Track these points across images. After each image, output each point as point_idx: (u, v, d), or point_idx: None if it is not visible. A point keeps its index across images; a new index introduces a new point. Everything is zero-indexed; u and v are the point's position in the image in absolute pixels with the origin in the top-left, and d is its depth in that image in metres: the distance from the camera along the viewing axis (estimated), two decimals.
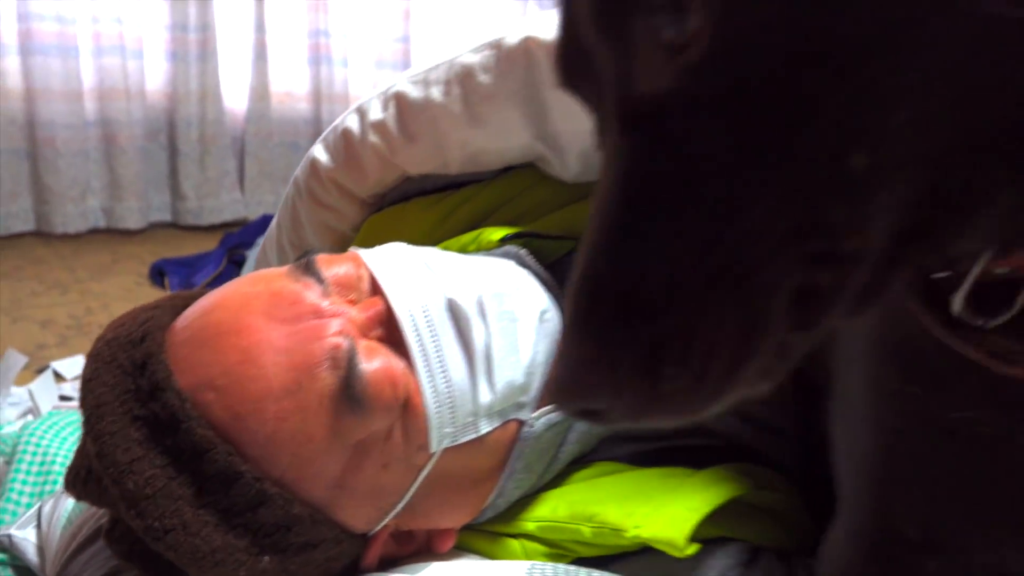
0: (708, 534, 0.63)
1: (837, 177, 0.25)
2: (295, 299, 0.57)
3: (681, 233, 0.26)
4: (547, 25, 0.74)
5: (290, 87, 2.97)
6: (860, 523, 0.48)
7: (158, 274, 2.20)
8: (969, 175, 0.28)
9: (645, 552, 0.62)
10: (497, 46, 0.75)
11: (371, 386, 0.55)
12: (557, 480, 0.70)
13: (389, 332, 0.59)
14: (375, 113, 0.79)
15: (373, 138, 0.79)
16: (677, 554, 0.59)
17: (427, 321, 0.59)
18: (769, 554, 0.66)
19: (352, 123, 0.81)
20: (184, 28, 2.66)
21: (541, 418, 0.64)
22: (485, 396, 0.60)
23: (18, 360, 1.43)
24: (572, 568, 0.59)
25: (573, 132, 0.75)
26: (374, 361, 0.56)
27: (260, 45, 2.81)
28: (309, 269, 0.60)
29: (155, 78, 2.72)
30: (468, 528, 0.67)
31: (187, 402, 0.53)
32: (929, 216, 0.28)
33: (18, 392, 1.40)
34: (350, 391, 0.54)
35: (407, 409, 0.57)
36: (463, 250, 0.75)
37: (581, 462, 0.71)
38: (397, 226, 0.82)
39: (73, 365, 1.55)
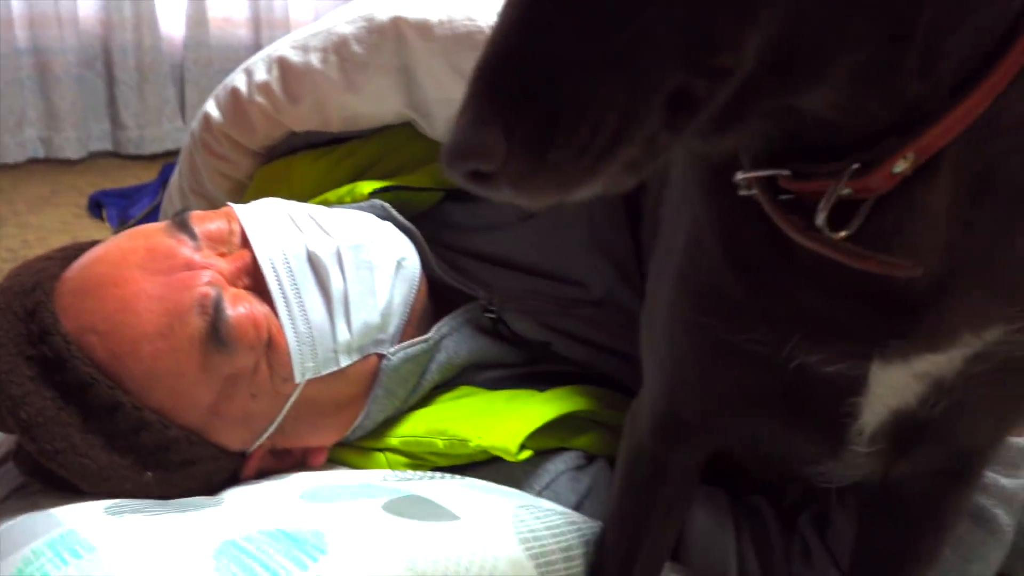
0: (545, 444, 0.74)
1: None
2: (169, 253, 0.65)
3: (585, 24, 0.30)
4: (416, 3, 0.80)
5: (229, 13, 2.94)
6: (652, 406, 0.58)
7: (96, 206, 2.24)
8: (829, 27, 0.33)
9: (493, 461, 0.72)
10: (369, 19, 0.81)
11: (235, 328, 0.64)
12: (422, 402, 0.80)
13: (255, 281, 0.68)
14: (260, 75, 0.85)
15: (259, 98, 0.85)
16: (511, 459, 0.70)
17: (288, 270, 0.67)
18: (603, 461, 0.77)
19: (240, 83, 0.87)
20: None
21: (399, 352, 0.74)
22: (343, 335, 0.69)
23: None
24: (417, 472, 0.70)
25: (440, 101, 0.82)
26: (238, 307, 0.65)
27: None
28: (183, 226, 0.67)
29: (88, 4, 2.68)
30: (341, 444, 0.77)
31: (72, 344, 0.62)
32: (792, 54, 0.33)
33: None
34: (216, 333, 0.63)
35: (271, 347, 0.66)
36: (340, 201, 0.83)
37: (445, 387, 0.82)
38: (286, 177, 0.89)
39: None
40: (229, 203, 0.74)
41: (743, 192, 0.42)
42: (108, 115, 2.81)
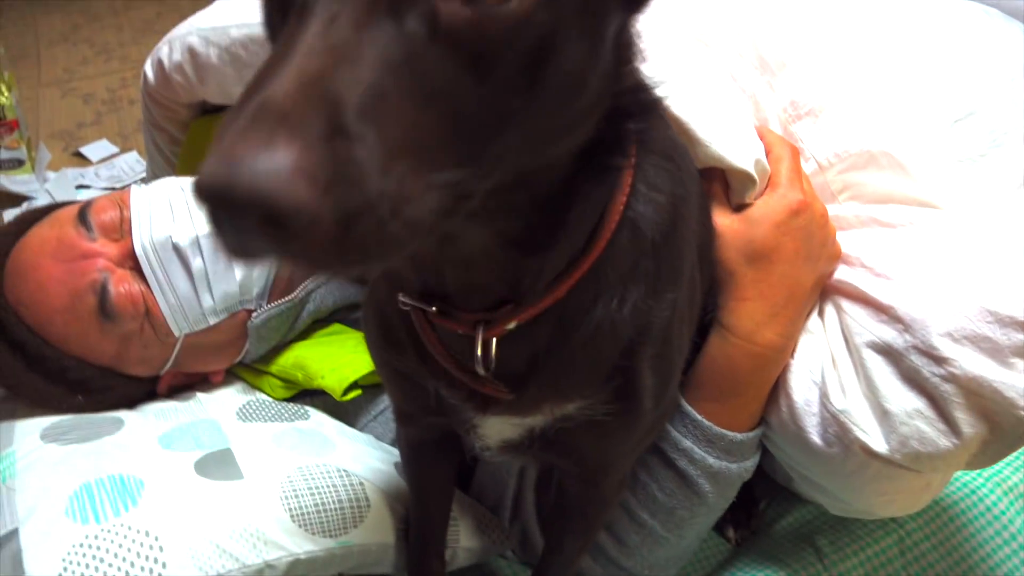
0: (378, 381, 0.94)
1: None
2: (72, 244, 0.87)
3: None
4: None
5: None
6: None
7: None
8: None
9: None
10: (252, 29, 0.92)
11: (117, 305, 0.86)
12: (303, 334, 1.02)
13: (136, 263, 0.89)
14: (176, 55, 1.00)
15: (176, 76, 1.01)
16: (338, 399, 0.91)
17: (156, 257, 0.87)
18: None
19: (164, 55, 1.02)
20: None
21: (263, 313, 0.94)
22: (208, 302, 0.90)
23: (46, 155, 1.82)
24: (274, 402, 0.93)
25: None
26: (120, 287, 0.87)
27: None
28: (83, 220, 0.88)
29: None
30: (240, 364, 1.01)
31: (11, 312, 0.87)
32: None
33: (52, 176, 1.80)
34: (104, 308, 0.86)
35: (150, 314, 0.88)
36: None
37: (323, 322, 1.03)
38: (208, 136, 1.07)
39: (97, 149, 1.92)
40: (132, 187, 0.93)
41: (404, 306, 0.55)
42: None
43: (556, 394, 0.58)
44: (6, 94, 1.75)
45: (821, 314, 0.81)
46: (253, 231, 0.26)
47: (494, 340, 0.52)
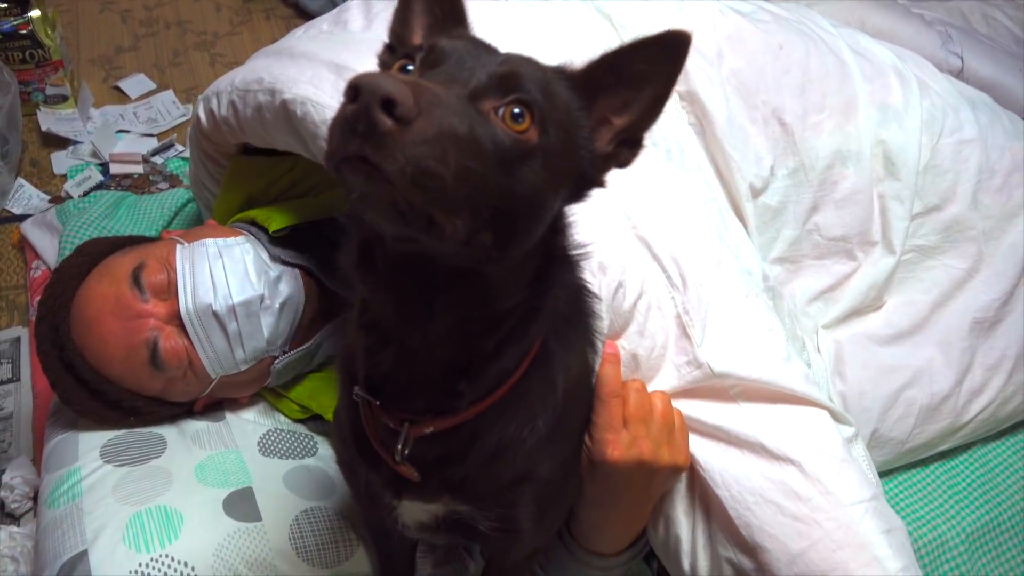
0: None
1: None
2: (128, 305, 1.04)
3: None
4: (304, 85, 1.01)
5: None
6: None
7: None
8: None
9: None
10: (272, 93, 1.03)
11: (164, 359, 1.04)
12: (320, 367, 1.20)
13: (182, 321, 1.05)
14: (222, 109, 1.12)
15: (223, 125, 1.13)
16: None
17: (199, 320, 1.04)
18: None
19: (214, 106, 1.13)
20: None
21: (283, 360, 1.12)
22: (240, 355, 1.08)
23: (88, 96, 1.92)
24: (290, 432, 1.14)
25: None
26: (169, 342, 1.04)
27: None
28: (137, 282, 1.04)
29: None
30: (265, 388, 1.20)
31: (76, 354, 1.05)
32: None
33: (95, 115, 1.91)
34: (154, 360, 1.04)
35: (192, 364, 1.06)
36: (263, 222, 1.14)
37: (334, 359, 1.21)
38: (249, 173, 1.22)
39: (136, 84, 2.01)
40: (176, 247, 1.08)
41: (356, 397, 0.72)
42: None
43: (451, 493, 0.76)
44: (51, 35, 1.83)
45: (693, 505, 0.93)
46: (372, 113, 0.45)
47: (412, 435, 0.69)
